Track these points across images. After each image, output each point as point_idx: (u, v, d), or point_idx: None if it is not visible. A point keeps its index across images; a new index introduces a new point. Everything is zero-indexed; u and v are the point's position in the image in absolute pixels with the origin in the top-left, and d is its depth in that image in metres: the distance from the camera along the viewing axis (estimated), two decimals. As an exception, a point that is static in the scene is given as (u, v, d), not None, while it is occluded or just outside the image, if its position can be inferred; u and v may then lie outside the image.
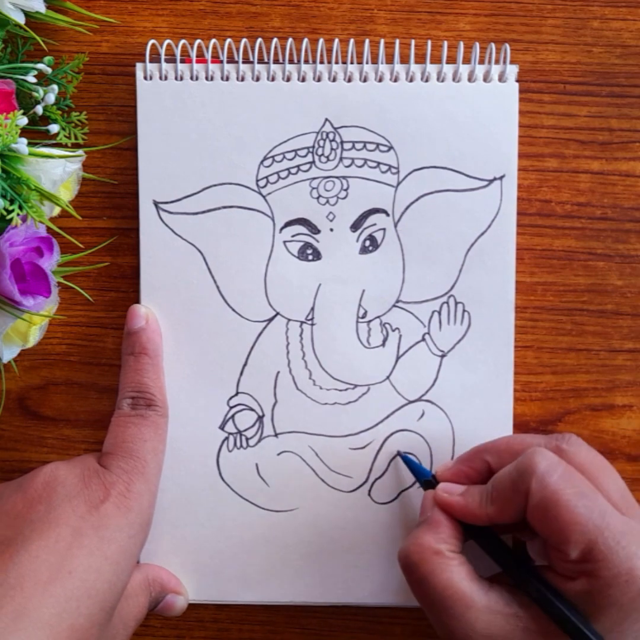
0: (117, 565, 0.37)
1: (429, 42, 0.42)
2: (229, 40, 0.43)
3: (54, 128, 0.42)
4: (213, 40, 0.42)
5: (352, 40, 0.42)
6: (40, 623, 0.34)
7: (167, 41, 0.42)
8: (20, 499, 0.38)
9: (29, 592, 0.34)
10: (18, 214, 0.38)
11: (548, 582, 0.37)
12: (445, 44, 0.42)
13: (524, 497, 0.36)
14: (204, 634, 0.45)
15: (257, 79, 0.43)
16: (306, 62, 0.43)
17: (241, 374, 0.43)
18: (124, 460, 0.39)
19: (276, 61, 0.43)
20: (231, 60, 0.43)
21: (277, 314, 0.43)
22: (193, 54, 0.42)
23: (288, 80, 0.43)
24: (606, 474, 0.38)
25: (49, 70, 0.42)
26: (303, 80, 0.43)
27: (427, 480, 0.41)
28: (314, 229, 0.43)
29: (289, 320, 0.43)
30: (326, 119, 0.43)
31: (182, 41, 0.42)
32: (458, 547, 0.39)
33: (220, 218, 0.43)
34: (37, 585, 0.35)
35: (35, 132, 0.43)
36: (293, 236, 0.43)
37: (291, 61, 0.43)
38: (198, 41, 0.43)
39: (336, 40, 0.42)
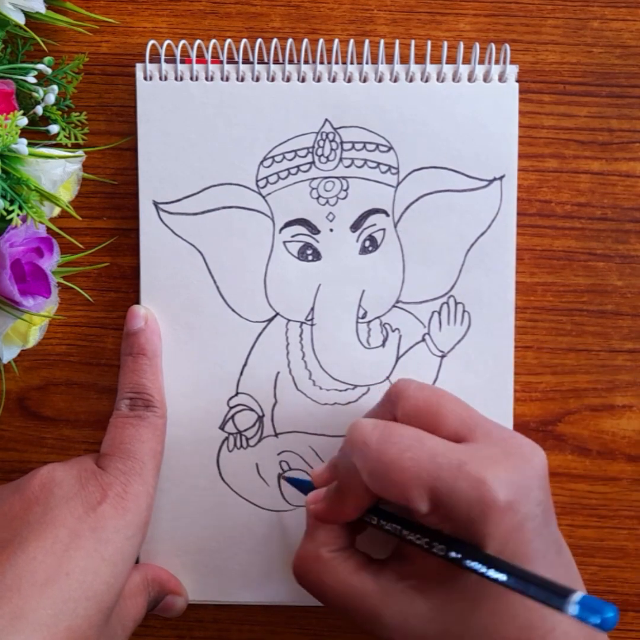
0: (115, 566, 0.37)
1: (429, 43, 0.42)
2: (229, 40, 0.43)
3: (54, 128, 0.42)
4: (213, 41, 0.42)
5: (352, 41, 0.42)
6: (38, 624, 0.34)
7: (167, 41, 0.42)
8: (17, 501, 0.38)
9: (26, 594, 0.35)
10: (18, 215, 0.38)
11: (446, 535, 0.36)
12: (445, 44, 0.42)
13: (359, 477, 0.36)
14: (204, 634, 0.45)
15: (257, 80, 0.43)
16: (306, 62, 0.43)
17: (241, 374, 0.43)
18: (122, 462, 0.39)
19: (276, 61, 0.43)
20: (231, 60, 0.43)
21: (277, 314, 0.43)
22: (193, 55, 0.42)
23: (288, 80, 0.43)
24: (441, 406, 0.37)
25: (49, 70, 0.42)
26: (303, 80, 0.43)
27: (310, 489, 0.41)
28: (314, 230, 0.43)
29: (289, 320, 0.43)
30: (326, 120, 0.43)
31: (182, 41, 0.42)
32: (341, 545, 0.39)
33: (220, 218, 0.43)
34: (34, 587, 0.35)
35: (35, 133, 0.43)
36: (293, 236, 0.43)
37: (291, 62, 0.43)
38: (198, 41, 0.43)
39: (336, 41, 0.42)
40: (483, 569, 0.33)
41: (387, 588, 0.37)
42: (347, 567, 0.38)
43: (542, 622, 0.33)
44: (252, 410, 0.44)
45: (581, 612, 0.30)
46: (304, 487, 0.42)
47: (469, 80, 0.42)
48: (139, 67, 0.43)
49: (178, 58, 0.42)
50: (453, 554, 0.35)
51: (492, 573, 0.33)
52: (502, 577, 0.33)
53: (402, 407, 0.38)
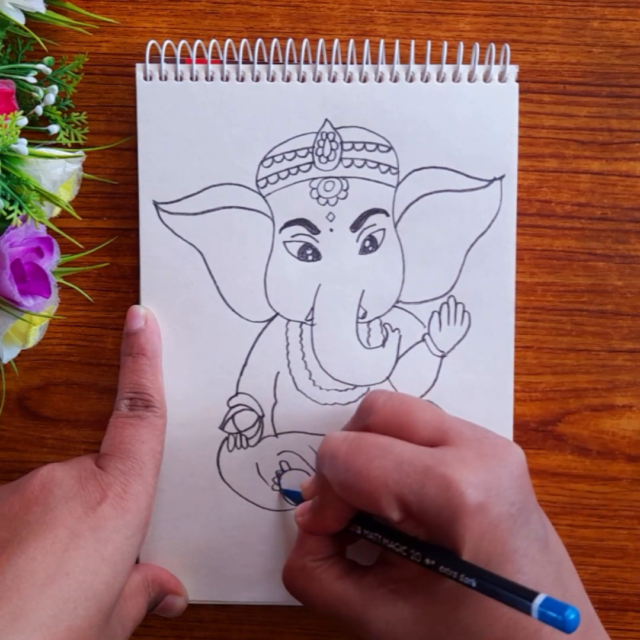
0: (115, 566, 0.37)
1: (429, 43, 0.42)
2: (229, 40, 0.43)
3: (54, 128, 0.42)
4: (213, 41, 0.42)
5: (352, 41, 0.42)
6: (37, 624, 0.34)
7: (167, 41, 0.42)
8: (17, 501, 0.38)
9: (26, 594, 0.34)
10: (18, 215, 0.38)
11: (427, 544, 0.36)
12: (445, 44, 0.42)
13: (334, 490, 0.36)
14: (204, 634, 0.45)
15: (257, 80, 0.43)
16: (306, 62, 0.43)
17: (241, 374, 0.43)
18: (121, 462, 0.39)
19: (276, 61, 0.43)
20: (231, 60, 0.43)
21: (277, 314, 0.43)
22: (193, 55, 0.42)
23: (288, 80, 0.43)
24: (411, 415, 0.37)
25: (49, 70, 0.42)
26: (303, 80, 0.43)
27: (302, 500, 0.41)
28: (314, 230, 0.43)
29: (289, 320, 0.43)
30: (326, 120, 0.43)
31: (182, 41, 0.42)
32: (326, 554, 0.39)
33: (220, 218, 0.43)
34: (34, 587, 0.35)
35: (35, 133, 0.43)
36: (293, 236, 0.43)
37: (291, 61, 0.43)
38: (198, 41, 0.43)
39: (336, 41, 0.42)
40: (454, 574, 0.34)
41: (370, 594, 0.37)
42: (330, 574, 0.38)
43: (529, 621, 0.32)
44: (252, 410, 0.44)
45: (544, 614, 0.30)
46: (296, 498, 0.42)
47: (469, 80, 0.42)
48: (139, 67, 0.43)
49: (178, 58, 0.42)
50: (428, 561, 0.35)
51: (463, 578, 0.33)
52: (472, 581, 0.33)
53: (372, 420, 0.38)
